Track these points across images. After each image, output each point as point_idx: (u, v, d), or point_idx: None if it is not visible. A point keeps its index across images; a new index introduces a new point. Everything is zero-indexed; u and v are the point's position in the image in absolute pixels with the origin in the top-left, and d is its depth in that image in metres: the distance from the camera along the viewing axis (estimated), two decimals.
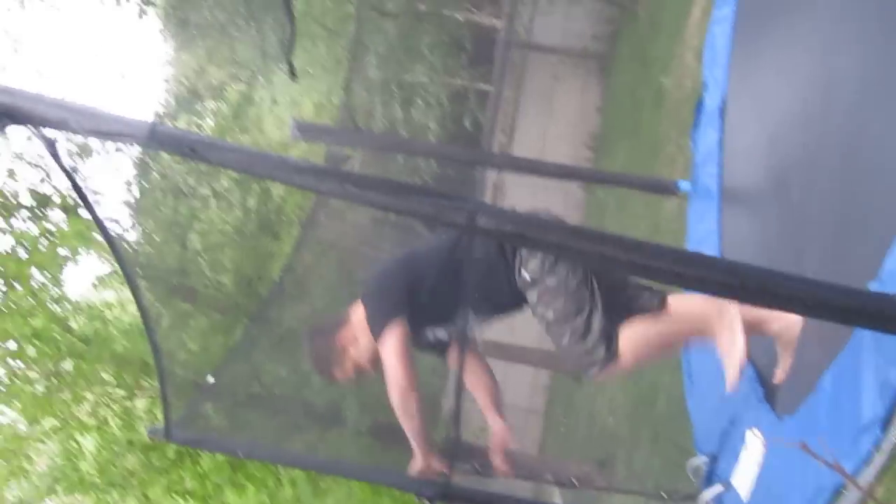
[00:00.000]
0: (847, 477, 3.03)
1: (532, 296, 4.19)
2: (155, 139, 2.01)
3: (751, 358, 4.96)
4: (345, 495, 14.26)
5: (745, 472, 4.28)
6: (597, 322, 4.07)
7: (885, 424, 2.96)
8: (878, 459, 2.99)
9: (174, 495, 13.56)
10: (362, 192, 2.01)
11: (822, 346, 3.65)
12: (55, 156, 2.23)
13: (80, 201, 11.67)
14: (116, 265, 12.87)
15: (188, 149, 1.96)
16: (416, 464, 4.27)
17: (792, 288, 2.44)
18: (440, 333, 4.35)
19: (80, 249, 12.11)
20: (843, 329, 3.28)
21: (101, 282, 13.33)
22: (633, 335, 4.15)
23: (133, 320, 12.96)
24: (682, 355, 5.92)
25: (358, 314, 4.32)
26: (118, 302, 13.74)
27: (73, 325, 12.63)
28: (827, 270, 3.69)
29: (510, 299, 4.32)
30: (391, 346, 4.08)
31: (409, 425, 4.16)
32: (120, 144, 12.36)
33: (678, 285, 2.39)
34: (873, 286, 3.09)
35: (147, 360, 12.02)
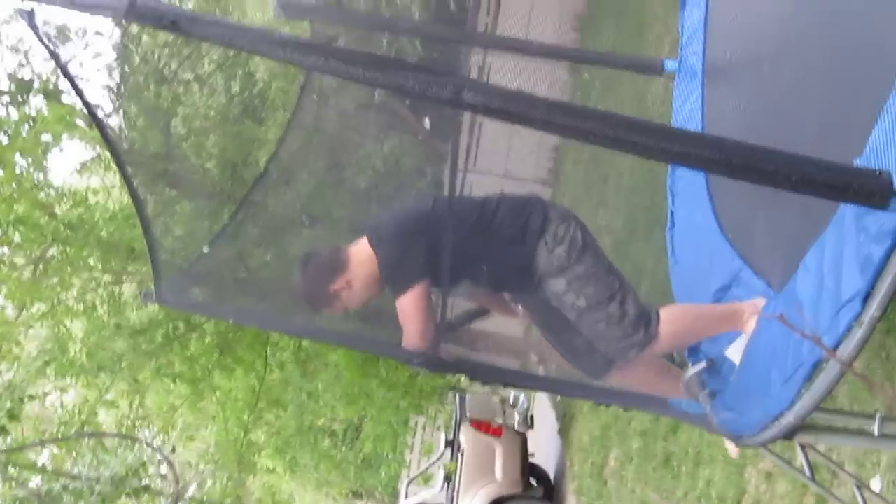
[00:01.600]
0: (824, 348, 3.07)
1: (558, 284, 4.15)
2: (135, 12, 1.96)
3: (730, 237, 5.03)
4: (333, 377, 14.45)
5: (738, 344, 4.36)
6: (631, 305, 4.12)
7: (865, 298, 2.98)
8: (858, 333, 3.03)
9: (163, 378, 13.72)
10: (347, 66, 1.98)
11: (806, 225, 3.67)
12: (34, 27, 2.17)
13: (62, 86, 11.53)
14: (100, 150, 12.79)
15: (169, 22, 1.92)
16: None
17: (777, 163, 2.45)
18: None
19: (62, 135, 12.01)
20: (826, 206, 3.29)
21: (85, 167, 13.25)
22: (673, 316, 4.23)
23: (118, 206, 12.93)
24: (666, 233, 5.96)
25: (359, 257, 4.25)
26: (102, 188, 13.67)
27: (58, 211, 12.60)
28: (810, 148, 3.69)
29: (518, 280, 4.31)
30: (413, 307, 4.08)
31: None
32: (99, 27, 12.16)
33: (665, 161, 2.39)
34: (858, 162, 3.09)
35: (134, 245, 12.03)
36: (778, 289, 4.09)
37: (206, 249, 5.51)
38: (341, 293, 4.24)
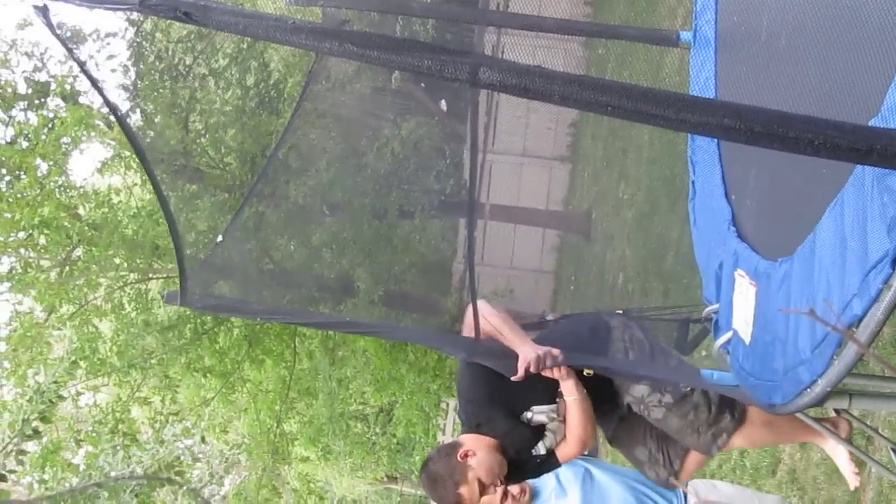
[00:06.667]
0: (851, 337, 3.04)
1: (640, 388, 4.33)
2: (148, 5, 1.95)
3: (730, 199, 5.01)
4: (362, 364, 14.50)
5: (743, 314, 4.34)
6: (711, 392, 4.24)
7: (895, 261, 2.96)
8: (888, 296, 3.00)
9: (194, 373, 13.81)
10: (362, 50, 1.98)
11: (819, 187, 3.63)
12: (50, 25, 2.17)
13: (79, 87, 11.59)
14: (120, 149, 12.84)
15: (183, 13, 1.92)
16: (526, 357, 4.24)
17: (799, 129, 2.42)
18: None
19: (82, 136, 12.07)
20: (840, 167, 3.25)
21: (106, 167, 13.31)
22: (755, 414, 4.31)
23: (141, 204, 12.99)
24: (688, 204, 5.93)
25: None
26: (124, 186, 13.74)
27: (82, 212, 12.68)
28: (824, 109, 3.66)
29: (600, 394, 4.42)
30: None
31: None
32: (112, 27, 12.20)
33: (685, 131, 2.37)
34: (875, 122, 3.06)
35: (158, 242, 12.10)
36: (786, 252, 4.04)
37: (220, 239, 5.49)
38: (469, 461, 4.35)
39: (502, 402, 4.41)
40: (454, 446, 4.41)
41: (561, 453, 4.36)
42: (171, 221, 4.09)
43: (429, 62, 2.00)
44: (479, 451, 4.34)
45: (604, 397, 4.47)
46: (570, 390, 4.35)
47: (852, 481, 4.54)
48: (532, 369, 4.11)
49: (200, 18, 1.91)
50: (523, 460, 4.42)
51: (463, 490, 4.29)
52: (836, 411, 4.40)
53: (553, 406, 4.42)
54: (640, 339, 4.46)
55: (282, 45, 1.95)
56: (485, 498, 4.33)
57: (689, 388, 4.29)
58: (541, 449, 4.41)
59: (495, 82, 2.08)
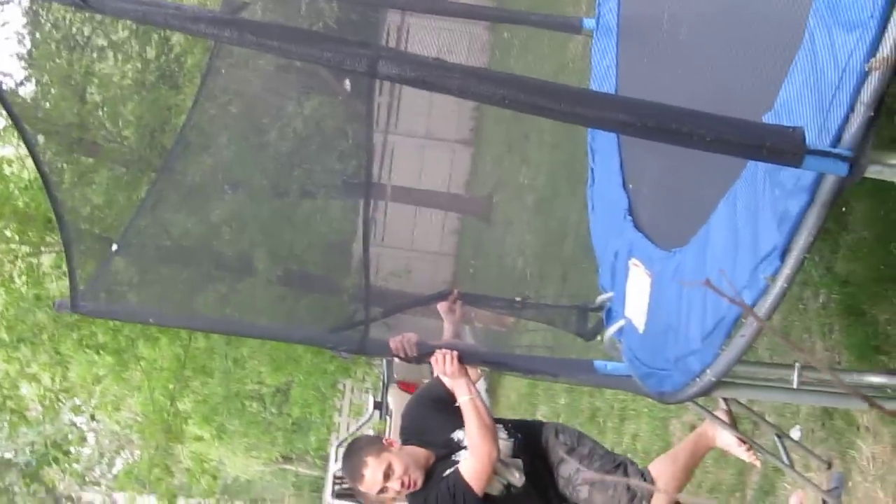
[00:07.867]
0: (750, 312, 3.12)
1: (569, 466, 4.70)
2: None
3: (627, 188, 5.12)
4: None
5: (636, 303, 4.43)
6: (630, 470, 4.72)
7: (783, 254, 3.03)
8: (776, 289, 3.08)
9: (86, 350, 13.53)
10: (261, 40, 1.97)
11: (713, 179, 3.70)
12: None
13: None
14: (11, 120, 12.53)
15: (80, 0, 1.89)
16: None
17: (691, 124, 2.47)
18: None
19: None
20: (735, 160, 3.33)
21: None
22: (660, 464, 4.81)
23: (33, 176, 12.67)
24: (587, 190, 6.00)
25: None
26: (17, 157, 13.38)
27: None
28: (721, 103, 3.74)
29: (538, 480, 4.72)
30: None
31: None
32: None
33: (580, 124, 2.41)
34: (768, 118, 3.14)
35: (50, 215, 11.82)
36: (680, 242, 4.13)
37: (114, 248, 5.43)
38: (391, 448, 4.60)
39: (436, 419, 4.74)
40: (385, 438, 4.81)
41: (463, 467, 4.45)
42: (62, 227, 4.01)
43: (328, 54, 2.01)
44: (405, 451, 4.52)
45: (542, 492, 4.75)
46: (461, 390, 4.47)
47: (752, 461, 4.80)
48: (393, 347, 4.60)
49: (97, 6, 1.88)
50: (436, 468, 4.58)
51: (370, 460, 4.42)
52: (724, 399, 4.52)
53: None
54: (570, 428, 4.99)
55: (180, 32, 1.93)
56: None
57: (610, 468, 4.69)
58: (463, 455, 4.53)
59: (394, 75, 2.10)
